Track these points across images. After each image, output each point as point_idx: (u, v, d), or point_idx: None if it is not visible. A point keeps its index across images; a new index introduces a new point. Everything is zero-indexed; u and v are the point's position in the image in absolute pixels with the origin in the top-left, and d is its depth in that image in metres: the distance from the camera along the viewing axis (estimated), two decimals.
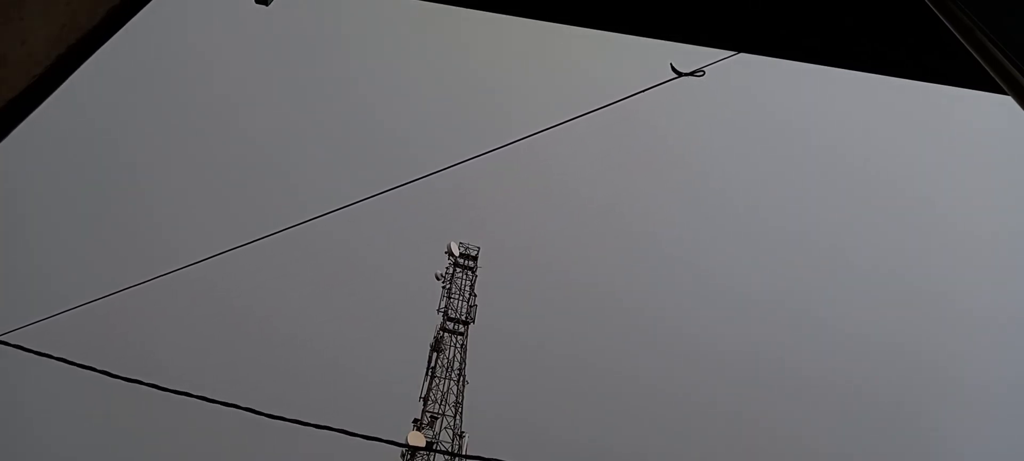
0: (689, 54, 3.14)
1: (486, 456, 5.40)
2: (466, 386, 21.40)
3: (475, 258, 23.95)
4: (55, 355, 4.55)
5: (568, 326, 39.50)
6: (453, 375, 21.43)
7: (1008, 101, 1.61)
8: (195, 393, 4.77)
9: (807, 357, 37.99)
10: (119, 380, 4.69)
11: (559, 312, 40.91)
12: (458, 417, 20.78)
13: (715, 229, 42.66)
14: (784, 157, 42.57)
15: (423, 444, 19.01)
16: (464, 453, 19.31)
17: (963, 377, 37.20)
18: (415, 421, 19.94)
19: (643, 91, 4.81)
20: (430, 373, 21.32)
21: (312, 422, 5.00)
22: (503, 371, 34.77)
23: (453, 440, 20.19)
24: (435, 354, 21.71)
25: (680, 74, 4.28)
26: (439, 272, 23.30)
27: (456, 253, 23.76)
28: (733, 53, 2.92)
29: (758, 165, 42.81)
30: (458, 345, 22.11)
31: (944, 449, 36.50)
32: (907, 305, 38.88)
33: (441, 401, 20.79)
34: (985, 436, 35.95)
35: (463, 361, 21.83)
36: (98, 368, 4.58)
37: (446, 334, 22.18)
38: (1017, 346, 36.34)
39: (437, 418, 20.33)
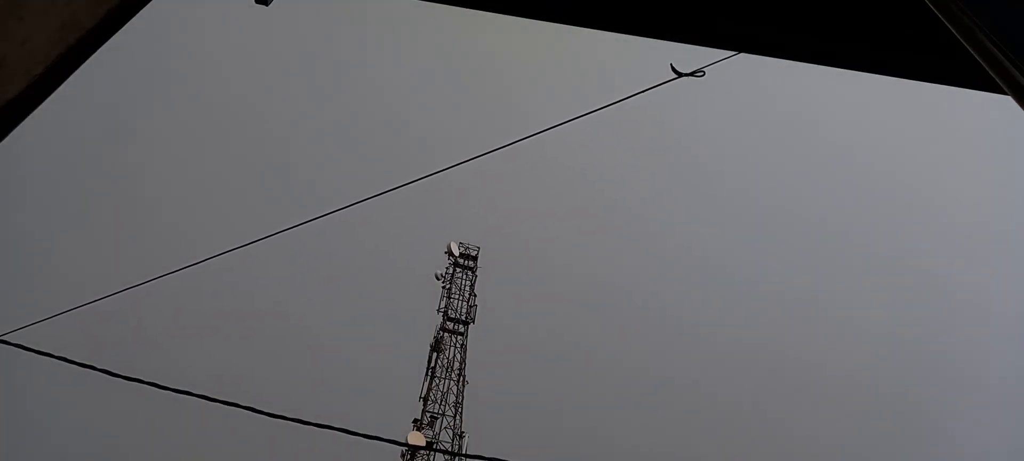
0: (689, 54, 3.14)
1: (486, 456, 5.41)
2: (466, 386, 21.43)
3: (475, 258, 23.97)
4: (56, 355, 4.55)
5: (569, 324, 39.53)
6: (453, 375, 21.45)
7: (1008, 101, 1.61)
8: (196, 392, 4.78)
9: (812, 349, 37.99)
10: (120, 379, 4.70)
11: (560, 311, 40.93)
12: (458, 417, 20.80)
13: (719, 224, 42.67)
14: (788, 153, 42.59)
15: (423, 444, 19.03)
16: (464, 453, 19.33)
17: (968, 370, 37.24)
18: (415, 421, 19.96)
19: (643, 91, 4.82)
20: (430, 373, 21.35)
21: (313, 421, 5.01)
22: (503, 371, 34.77)
23: (453, 440, 20.21)
24: (435, 354, 21.73)
25: (680, 74, 4.28)
26: (439, 272, 23.33)
27: (456, 253, 23.79)
28: (733, 53, 2.92)
29: (762, 161, 42.82)
30: (458, 345, 22.13)
31: (948, 441, 36.54)
32: (912, 297, 38.90)
33: (441, 401, 20.80)
34: (989, 429, 35.96)
35: (463, 361, 21.86)
36: (99, 367, 4.59)
37: (446, 334, 22.20)
38: (1020, 338, 36.41)
39: (437, 418, 20.35)
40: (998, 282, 37.84)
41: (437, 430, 20.03)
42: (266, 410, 4.86)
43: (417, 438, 19.02)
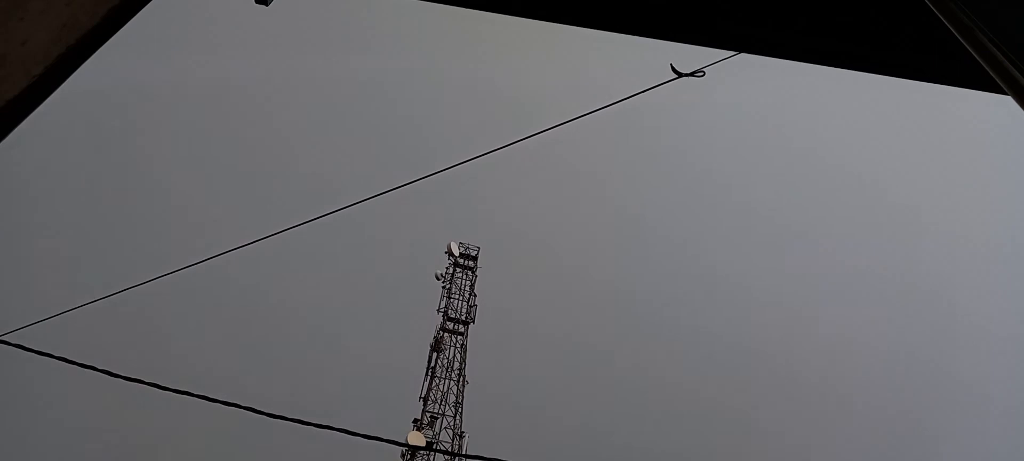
0: (689, 54, 3.14)
1: (486, 456, 5.41)
2: (466, 386, 21.43)
3: (475, 258, 23.97)
4: (56, 355, 4.55)
5: (569, 324, 39.54)
6: (453, 375, 21.45)
7: (1008, 101, 1.61)
8: (196, 392, 4.78)
9: (812, 357, 38.03)
10: (120, 380, 4.70)
11: (560, 311, 40.93)
12: (458, 417, 20.80)
13: (720, 226, 42.69)
14: (787, 153, 42.61)
15: (423, 444, 19.02)
16: (464, 453, 19.33)
17: (963, 382, 37.20)
18: (415, 421, 19.96)
19: (644, 91, 4.82)
20: (430, 373, 21.35)
21: (313, 421, 5.01)
22: (503, 371, 34.78)
23: (453, 440, 20.21)
24: (435, 354, 21.73)
25: (680, 74, 4.28)
26: (439, 272, 23.32)
27: (456, 253, 23.78)
28: (733, 53, 2.92)
29: (762, 161, 42.84)
30: (458, 345, 22.12)
31: (947, 454, 36.53)
32: (907, 309, 38.90)
33: (441, 401, 20.80)
34: (987, 439, 35.95)
35: (463, 361, 21.85)
36: (99, 367, 4.59)
37: (446, 334, 22.20)
38: (1018, 352, 36.35)
39: (437, 418, 20.35)
40: (998, 292, 37.83)
41: (437, 430, 20.03)
42: (266, 410, 4.86)
43: (417, 438, 19.01)
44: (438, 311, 22.61)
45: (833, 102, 36.67)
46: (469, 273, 23.63)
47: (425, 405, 20.60)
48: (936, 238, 39.50)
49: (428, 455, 19.34)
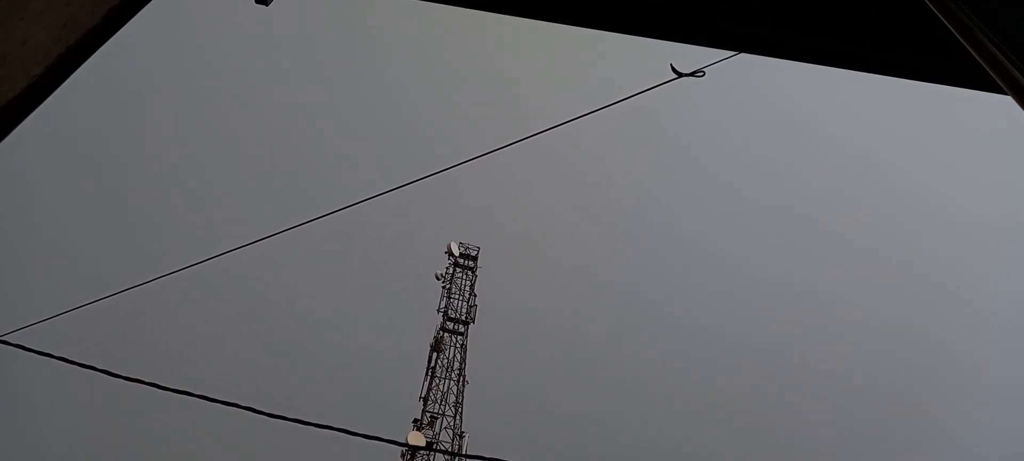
0: (689, 54, 3.14)
1: (486, 456, 5.41)
2: (466, 386, 21.42)
3: (475, 258, 23.96)
4: (56, 355, 4.55)
5: (569, 324, 39.52)
6: (453, 375, 21.44)
7: (1008, 101, 1.61)
8: (196, 392, 4.78)
9: (813, 350, 38.01)
10: (120, 379, 4.70)
11: (560, 310, 40.94)
12: (458, 417, 20.79)
13: (721, 224, 42.69)
14: (787, 153, 42.61)
15: (423, 444, 19.02)
16: (464, 453, 19.32)
17: (969, 372, 37.25)
18: (415, 421, 19.95)
19: (644, 91, 4.81)
20: (430, 373, 21.34)
21: (313, 421, 5.01)
22: (503, 371, 34.79)
23: (453, 440, 20.20)
24: (435, 354, 21.72)
25: (680, 74, 4.27)
26: (439, 272, 23.31)
27: (456, 253, 23.77)
28: (733, 53, 2.92)
29: (762, 161, 42.83)
30: (458, 345, 22.11)
31: (948, 442, 36.56)
32: (913, 299, 38.92)
33: (441, 401, 20.80)
34: (988, 428, 35.99)
35: (463, 361, 21.85)
36: (99, 367, 4.59)
37: (446, 334, 22.19)
38: (1018, 337, 36.42)
39: (437, 418, 20.34)
40: (998, 282, 37.86)
41: (437, 430, 20.02)
42: (266, 410, 4.86)
43: (417, 438, 19.01)
44: (438, 311, 22.61)
45: (835, 93, 36.67)
46: (469, 273, 23.62)
47: (425, 405, 20.60)
48: (946, 229, 39.55)
49: (428, 455, 19.34)
